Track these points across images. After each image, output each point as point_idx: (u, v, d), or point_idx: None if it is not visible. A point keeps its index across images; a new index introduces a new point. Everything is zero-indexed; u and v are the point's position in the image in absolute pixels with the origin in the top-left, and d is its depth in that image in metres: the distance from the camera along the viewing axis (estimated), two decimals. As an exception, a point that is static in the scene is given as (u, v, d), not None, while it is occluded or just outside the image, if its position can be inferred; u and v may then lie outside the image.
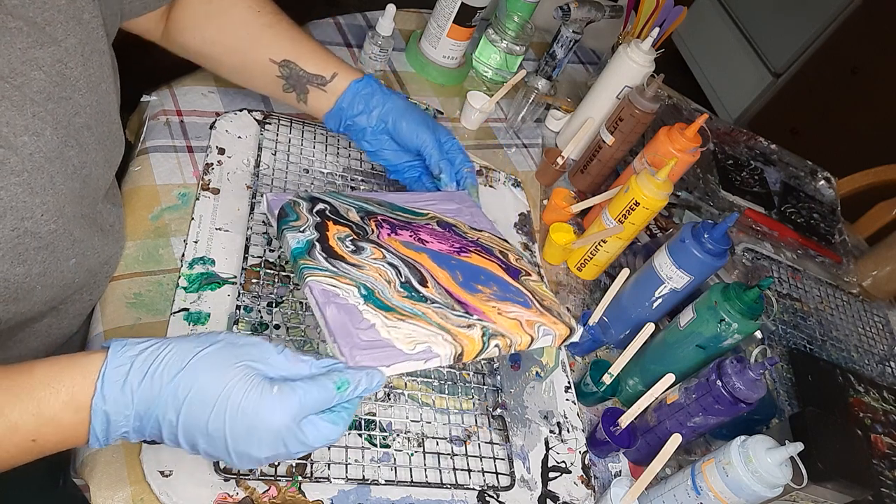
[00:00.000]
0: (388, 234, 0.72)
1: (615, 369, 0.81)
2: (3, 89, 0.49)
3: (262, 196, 0.68)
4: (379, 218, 0.74)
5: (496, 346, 0.65)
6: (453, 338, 0.62)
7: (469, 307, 0.67)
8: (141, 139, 0.84)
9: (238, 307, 0.72)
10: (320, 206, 0.71)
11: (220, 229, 0.77)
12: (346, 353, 0.56)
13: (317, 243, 0.66)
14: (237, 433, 0.46)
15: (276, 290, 0.75)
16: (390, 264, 0.68)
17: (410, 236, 0.73)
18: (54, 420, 0.44)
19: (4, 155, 0.49)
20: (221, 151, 0.84)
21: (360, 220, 0.72)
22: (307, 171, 0.87)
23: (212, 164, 0.83)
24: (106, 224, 0.67)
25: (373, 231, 0.72)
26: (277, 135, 0.89)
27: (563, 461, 0.78)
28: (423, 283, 0.68)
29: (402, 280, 0.67)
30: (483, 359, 0.69)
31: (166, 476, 0.60)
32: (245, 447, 0.47)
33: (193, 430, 0.46)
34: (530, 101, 1.09)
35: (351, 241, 0.69)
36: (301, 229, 0.67)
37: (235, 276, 0.75)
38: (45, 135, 0.52)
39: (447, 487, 0.69)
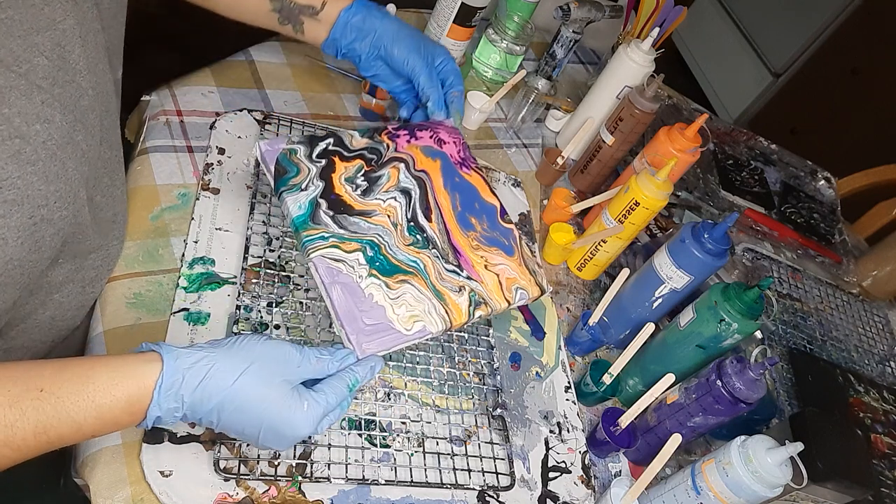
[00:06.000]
0: (407, 141, 0.72)
1: (615, 369, 0.81)
2: (9, 78, 0.50)
3: (256, 144, 0.67)
4: (391, 129, 0.73)
5: (479, 315, 0.69)
6: (446, 311, 0.66)
7: (462, 257, 0.70)
8: (141, 139, 0.84)
9: (238, 307, 0.72)
10: (322, 144, 0.68)
11: (220, 229, 0.77)
12: (353, 342, 0.61)
13: (321, 200, 0.64)
14: (267, 437, 0.54)
15: (276, 290, 0.75)
16: (403, 191, 0.68)
17: (431, 137, 0.74)
18: (113, 422, 0.51)
19: (20, 146, 0.50)
20: (221, 151, 0.84)
21: (370, 140, 0.70)
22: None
23: (212, 164, 0.83)
24: (108, 213, 0.67)
25: (388, 147, 0.70)
26: (277, 135, 0.89)
27: (563, 461, 0.78)
28: (428, 214, 0.69)
29: (410, 217, 0.68)
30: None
31: (166, 476, 0.60)
32: (271, 445, 0.56)
33: (230, 430, 0.55)
34: (530, 101, 1.09)
35: (363, 175, 0.67)
36: (302, 186, 0.65)
37: (235, 276, 0.75)
38: (55, 121, 0.53)
39: (447, 487, 0.69)
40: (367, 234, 0.66)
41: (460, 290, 0.69)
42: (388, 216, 0.67)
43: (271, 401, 0.53)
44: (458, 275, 0.70)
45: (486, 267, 0.72)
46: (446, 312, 0.67)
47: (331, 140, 0.68)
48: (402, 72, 0.80)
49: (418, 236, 0.69)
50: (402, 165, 0.69)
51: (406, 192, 0.68)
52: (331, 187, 0.65)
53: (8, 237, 0.50)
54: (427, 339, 0.66)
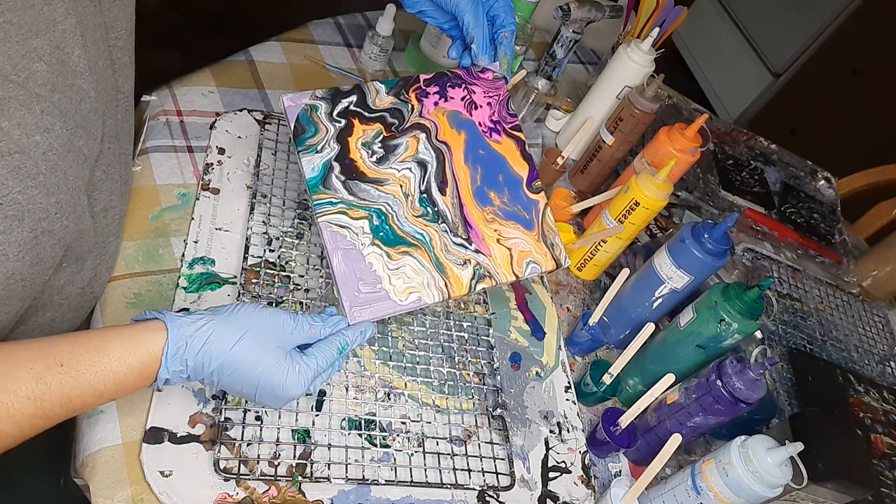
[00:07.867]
0: (436, 103, 0.71)
1: (615, 369, 0.81)
2: (7, 89, 0.49)
3: (280, 98, 0.68)
4: (422, 83, 0.71)
5: (481, 288, 0.69)
6: (445, 284, 0.67)
7: (472, 230, 0.70)
8: (141, 139, 0.84)
9: (238, 307, 0.72)
10: (344, 102, 0.68)
11: (220, 229, 0.78)
12: (346, 309, 0.63)
13: (335, 163, 0.66)
14: (263, 397, 0.59)
15: (275, 290, 0.75)
16: (419, 162, 0.68)
17: (463, 98, 0.73)
18: (130, 385, 0.54)
19: (20, 160, 0.49)
20: (221, 151, 0.84)
21: (397, 98, 0.69)
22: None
23: (212, 164, 0.83)
24: (99, 206, 0.66)
25: (413, 108, 0.70)
26: (277, 135, 0.89)
27: (563, 461, 0.78)
28: (443, 187, 0.69)
29: (423, 189, 0.68)
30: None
31: (166, 476, 0.60)
32: (267, 403, 0.60)
33: (229, 389, 0.59)
34: (530, 101, 1.09)
35: (380, 142, 0.67)
36: (318, 147, 0.66)
37: (235, 276, 0.75)
38: (55, 130, 0.52)
39: (447, 487, 0.69)
40: (376, 202, 0.66)
41: (465, 263, 0.69)
42: (401, 186, 0.68)
43: (266, 365, 0.57)
44: (466, 248, 0.69)
45: (498, 241, 0.71)
46: (445, 285, 0.67)
47: (353, 98, 0.68)
48: (446, 7, 0.74)
49: (429, 209, 0.69)
50: (422, 135, 0.68)
51: (422, 164, 0.68)
52: (346, 151, 0.66)
53: (9, 252, 0.50)
54: (422, 309, 0.66)
